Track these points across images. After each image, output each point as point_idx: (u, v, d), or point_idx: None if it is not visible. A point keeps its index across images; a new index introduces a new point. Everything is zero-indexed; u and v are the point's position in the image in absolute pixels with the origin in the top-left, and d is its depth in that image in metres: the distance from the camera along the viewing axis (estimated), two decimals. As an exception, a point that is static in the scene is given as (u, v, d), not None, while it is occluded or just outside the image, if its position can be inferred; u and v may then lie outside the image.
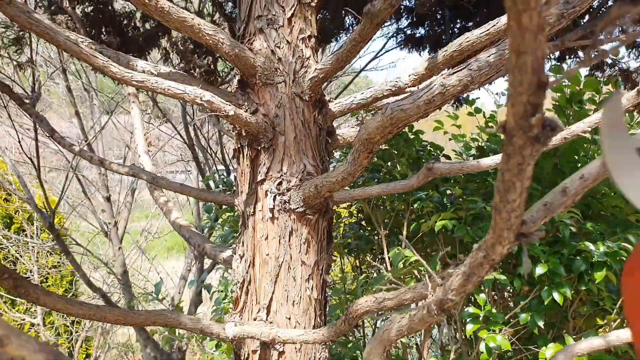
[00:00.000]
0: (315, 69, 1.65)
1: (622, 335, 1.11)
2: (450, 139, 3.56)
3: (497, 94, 3.94)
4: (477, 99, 3.51)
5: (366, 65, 5.19)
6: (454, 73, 1.16)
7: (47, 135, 2.06)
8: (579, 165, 2.88)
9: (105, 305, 1.53)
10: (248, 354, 1.72)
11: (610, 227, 2.59)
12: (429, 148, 3.37)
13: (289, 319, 1.68)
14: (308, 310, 1.71)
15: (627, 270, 0.49)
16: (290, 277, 1.71)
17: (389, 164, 3.34)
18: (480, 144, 3.42)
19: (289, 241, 1.71)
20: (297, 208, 1.68)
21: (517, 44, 0.39)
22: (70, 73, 5.00)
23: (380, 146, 3.50)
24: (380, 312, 0.95)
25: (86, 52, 1.41)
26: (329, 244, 1.84)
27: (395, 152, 3.31)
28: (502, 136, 0.48)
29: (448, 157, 3.37)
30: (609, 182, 2.72)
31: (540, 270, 2.29)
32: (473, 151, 3.40)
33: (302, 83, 1.68)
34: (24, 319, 5.69)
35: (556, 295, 2.30)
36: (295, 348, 1.68)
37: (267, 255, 1.71)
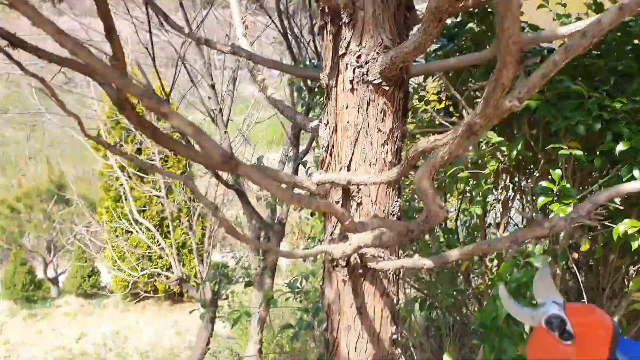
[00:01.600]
0: (394, -58, 1.72)
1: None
2: (554, 19, 3.37)
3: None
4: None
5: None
6: None
7: (162, 19, 2.37)
8: None
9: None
10: (331, 205, 2.05)
11: None
12: (526, 30, 3.22)
13: (366, 176, 1.95)
14: (383, 170, 1.96)
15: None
16: (368, 142, 1.95)
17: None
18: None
19: (367, 110, 1.92)
20: (374, 80, 1.86)
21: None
22: (173, -34, 5.29)
23: (474, 28, 3.39)
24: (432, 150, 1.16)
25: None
26: (404, 114, 2.03)
27: (490, 34, 3.23)
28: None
29: (550, 39, 3.21)
30: None
31: (621, 147, 2.29)
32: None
33: (381, -42, 1.76)
34: (151, 192, 6.73)
35: (636, 173, 2.31)
36: (371, 200, 1.97)
37: (348, 122, 1.95)
